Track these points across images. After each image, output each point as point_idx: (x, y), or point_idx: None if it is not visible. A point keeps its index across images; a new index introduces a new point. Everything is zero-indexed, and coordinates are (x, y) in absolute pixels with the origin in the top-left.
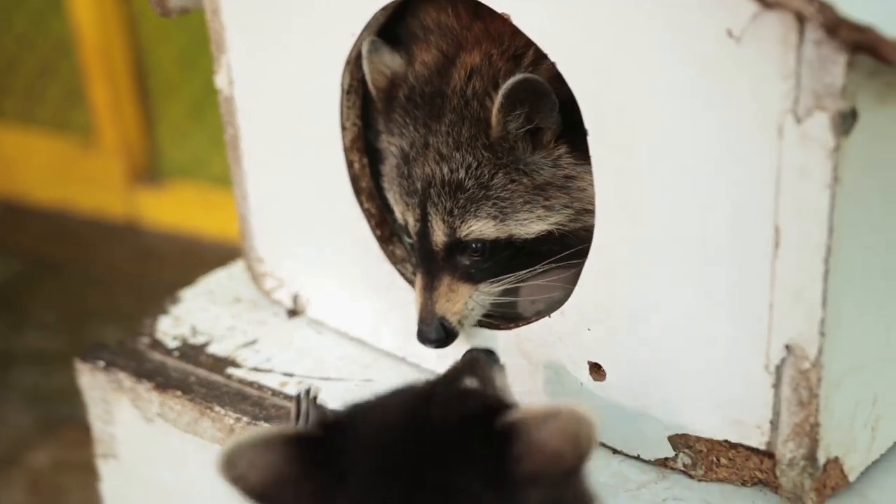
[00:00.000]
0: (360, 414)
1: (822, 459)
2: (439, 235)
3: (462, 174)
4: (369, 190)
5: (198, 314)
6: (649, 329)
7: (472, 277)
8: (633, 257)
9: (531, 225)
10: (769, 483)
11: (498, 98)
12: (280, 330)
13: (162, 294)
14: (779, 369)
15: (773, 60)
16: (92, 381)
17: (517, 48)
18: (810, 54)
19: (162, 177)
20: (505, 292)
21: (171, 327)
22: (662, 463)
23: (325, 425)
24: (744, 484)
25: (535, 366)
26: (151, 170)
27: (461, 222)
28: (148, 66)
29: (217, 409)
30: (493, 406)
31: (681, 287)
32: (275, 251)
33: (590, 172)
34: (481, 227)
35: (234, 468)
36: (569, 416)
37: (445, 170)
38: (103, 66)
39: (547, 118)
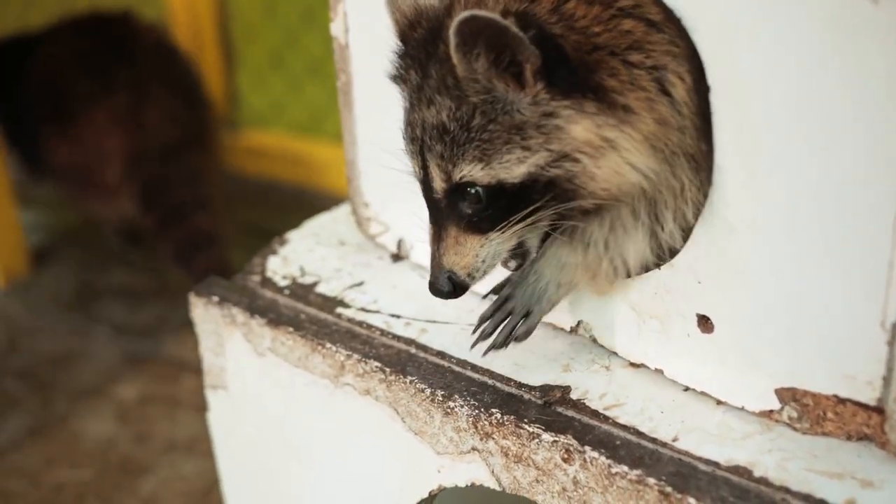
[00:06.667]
0: None
1: None
2: (438, 182)
3: (444, 116)
4: None
5: (305, 255)
6: (762, 284)
7: (479, 228)
8: (751, 213)
9: (513, 168)
10: (875, 438)
11: (450, 38)
12: (385, 273)
13: (237, 236)
14: (895, 327)
15: None
16: (205, 315)
17: None
18: None
19: (241, 123)
20: (520, 244)
21: (280, 267)
22: (767, 415)
23: None
24: (848, 438)
25: (642, 317)
26: (230, 116)
27: (453, 166)
28: (230, 14)
29: (328, 345)
30: None
31: (798, 243)
32: (381, 197)
33: (568, 109)
34: (471, 171)
35: None
36: None
37: (433, 112)
38: (187, 12)
39: (519, 53)
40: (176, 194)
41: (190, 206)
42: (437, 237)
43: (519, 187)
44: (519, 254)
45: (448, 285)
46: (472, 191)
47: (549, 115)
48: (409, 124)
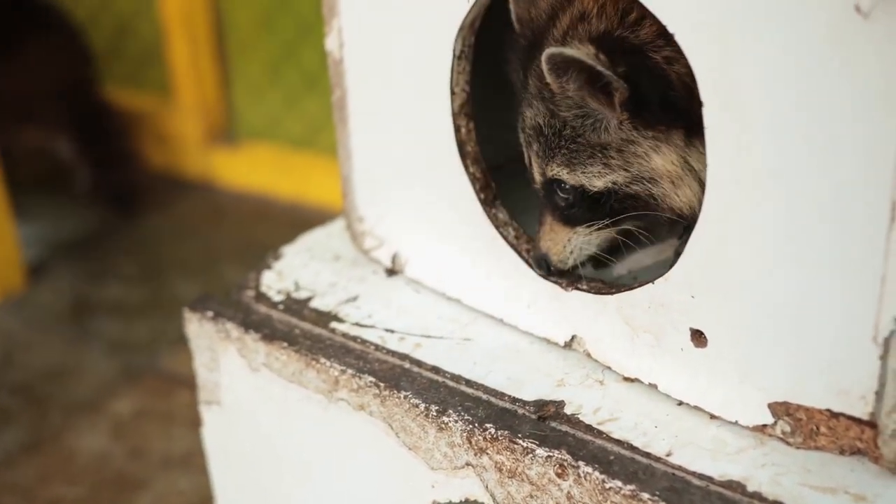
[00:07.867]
0: None
1: None
2: (536, 174)
3: (541, 120)
4: (475, 154)
5: (300, 270)
6: (755, 298)
7: (569, 220)
8: (744, 226)
9: (594, 179)
10: (868, 453)
11: (543, 65)
12: (379, 288)
13: (234, 251)
14: (887, 341)
15: None
16: (199, 330)
17: (627, 4)
18: None
19: (237, 137)
20: (609, 242)
21: (274, 282)
22: (760, 429)
23: None
24: (841, 453)
25: (635, 331)
26: (226, 130)
27: (545, 164)
28: (226, 27)
29: (322, 360)
30: None
31: (791, 257)
32: (376, 211)
33: (650, 140)
34: (560, 172)
35: None
36: None
37: (533, 113)
38: (183, 25)
39: (609, 82)
40: (100, 120)
41: (107, 132)
42: (539, 221)
43: (600, 193)
44: (610, 249)
45: (544, 266)
46: (565, 186)
47: (631, 142)
48: (520, 115)
